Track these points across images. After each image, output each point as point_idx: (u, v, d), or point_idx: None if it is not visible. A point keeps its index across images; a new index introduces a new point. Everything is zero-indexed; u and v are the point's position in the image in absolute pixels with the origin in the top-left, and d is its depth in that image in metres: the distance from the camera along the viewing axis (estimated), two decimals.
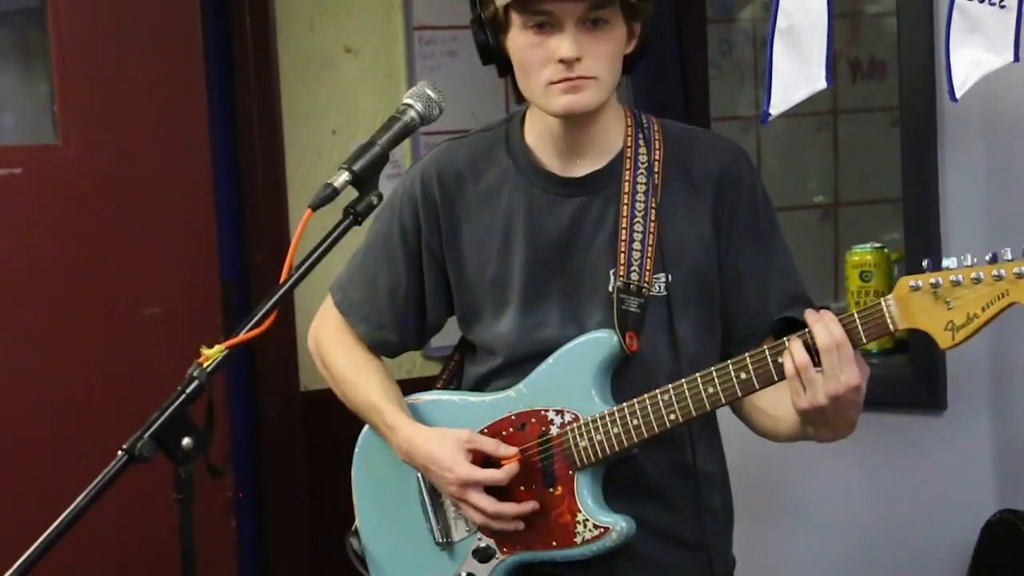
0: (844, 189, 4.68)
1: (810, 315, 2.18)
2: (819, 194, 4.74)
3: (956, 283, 2.09)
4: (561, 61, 2.23)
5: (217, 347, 1.97)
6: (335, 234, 2.13)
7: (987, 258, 2.08)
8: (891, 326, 2.14)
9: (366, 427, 2.53)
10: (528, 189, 2.37)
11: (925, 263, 2.12)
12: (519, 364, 2.37)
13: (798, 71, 2.73)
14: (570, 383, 2.33)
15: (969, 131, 2.99)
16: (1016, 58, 2.51)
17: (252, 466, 4.30)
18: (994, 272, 2.06)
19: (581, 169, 2.36)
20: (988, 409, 3.04)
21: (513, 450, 2.34)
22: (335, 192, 2.11)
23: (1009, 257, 2.06)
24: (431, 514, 2.42)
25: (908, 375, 3.13)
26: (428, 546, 2.43)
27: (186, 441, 1.93)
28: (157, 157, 4.12)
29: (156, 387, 2.02)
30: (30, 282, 3.97)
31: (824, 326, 2.15)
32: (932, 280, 2.11)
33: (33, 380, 3.97)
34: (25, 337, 3.96)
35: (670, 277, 2.32)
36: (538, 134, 2.38)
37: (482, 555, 2.38)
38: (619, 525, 2.31)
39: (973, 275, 2.08)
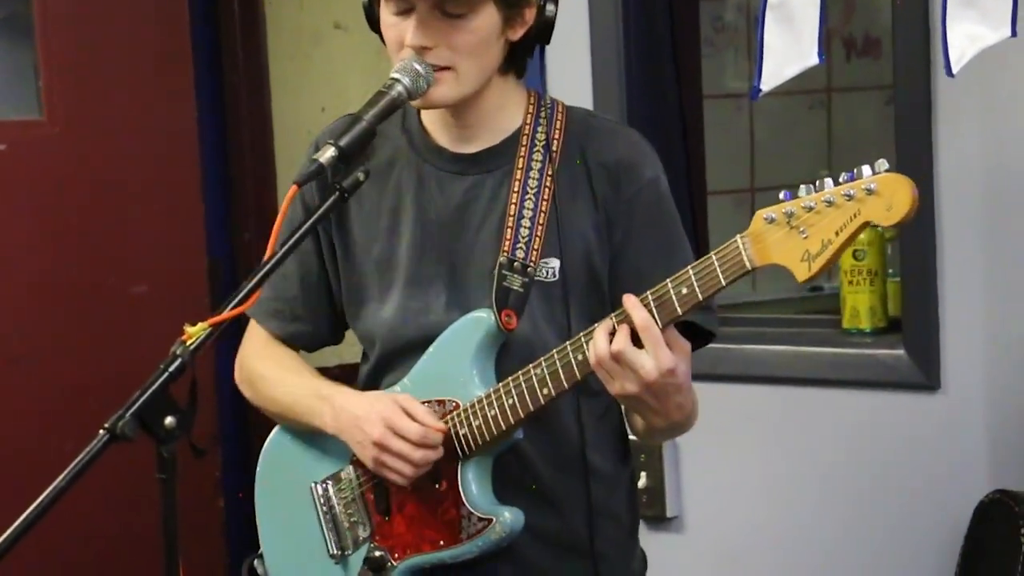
0: (838, 167, 4.65)
1: (627, 299, 2.06)
2: (815, 172, 4.72)
3: (809, 209, 1.93)
4: (409, 46, 2.14)
5: (201, 325, 1.95)
6: (321, 210, 2.11)
7: (841, 179, 1.93)
8: (747, 264, 1.99)
9: (265, 446, 2.43)
10: (419, 166, 2.28)
11: (782, 195, 1.98)
12: (404, 353, 2.27)
13: (790, 47, 2.71)
14: (452, 370, 2.22)
15: (964, 109, 2.97)
16: (1013, 33, 2.49)
17: (240, 446, 4.28)
18: (844, 192, 1.90)
19: (474, 147, 2.26)
20: (982, 389, 3.03)
21: (440, 424, 2.20)
22: (321, 168, 2.07)
23: (865, 175, 1.91)
24: (325, 527, 2.32)
25: (902, 354, 3.11)
26: (325, 561, 2.33)
27: (169, 420, 1.90)
28: (143, 133, 4.10)
29: (142, 366, 1.99)
30: (14, 259, 3.95)
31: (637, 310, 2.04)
32: (786, 210, 1.94)
33: (19, 359, 3.95)
34: (11, 315, 3.94)
35: (561, 263, 2.22)
36: (432, 111, 2.28)
37: (375, 564, 2.27)
38: (503, 516, 2.19)
39: (825, 199, 1.91)
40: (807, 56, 2.70)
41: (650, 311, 2.04)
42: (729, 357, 3.23)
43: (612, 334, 2.06)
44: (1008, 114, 2.95)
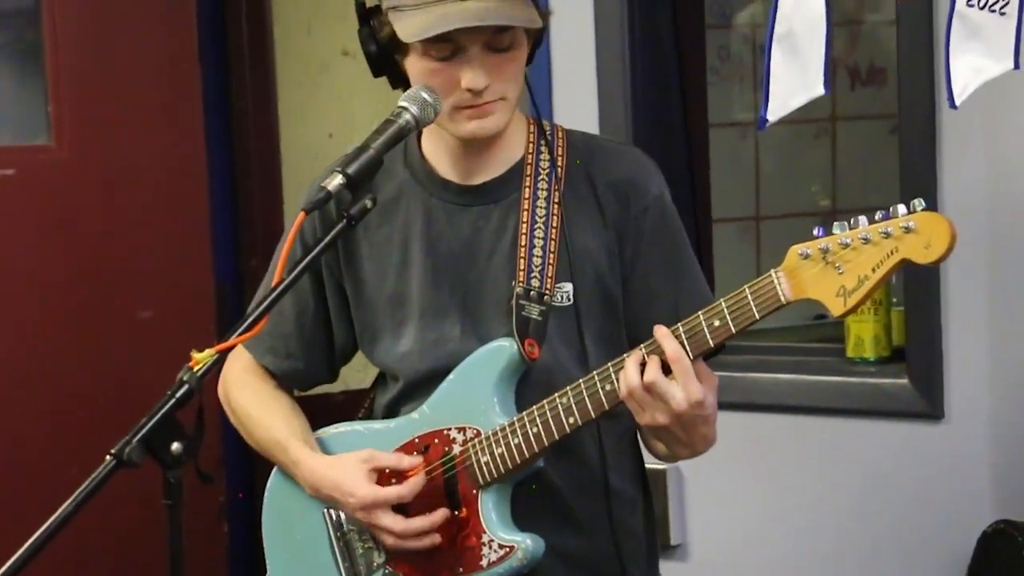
0: (842, 196, 4.66)
1: (658, 330, 2.08)
2: (820, 201, 4.73)
3: (845, 246, 1.97)
4: (469, 90, 2.15)
5: (208, 351, 1.95)
6: (330, 236, 2.11)
7: (877, 217, 1.97)
8: (782, 298, 2.02)
9: (273, 473, 2.43)
10: (426, 200, 2.29)
11: (816, 231, 2.02)
12: (423, 384, 2.27)
13: (796, 77, 2.71)
14: (472, 398, 2.23)
15: (968, 139, 2.98)
16: (1016, 65, 2.49)
17: (245, 471, 4.28)
18: (881, 230, 1.94)
19: (480, 177, 2.28)
20: (986, 418, 3.03)
21: (416, 460, 2.24)
22: (329, 195, 2.08)
23: (900, 213, 1.95)
24: (338, 554, 2.32)
25: (906, 383, 3.11)
26: None
27: (175, 446, 1.91)
28: (151, 159, 4.11)
29: (149, 391, 2.00)
30: (23, 284, 3.96)
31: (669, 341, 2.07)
32: (821, 246, 1.99)
33: (26, 383, 3.96)
34: (18, 339, 3.95)
35: (574, 287, 2.23)
36: (435, 144, 2.30)
37: None
38: (525, 543, 2.20)
39: (862, 235, 1.95)
40: (813, 87, 2.71)
41: (681, 343, 2.06)
42: (733, 385, 3.23)
43: (642, 365, 2.07)
44: (1011, 145, 2.95)
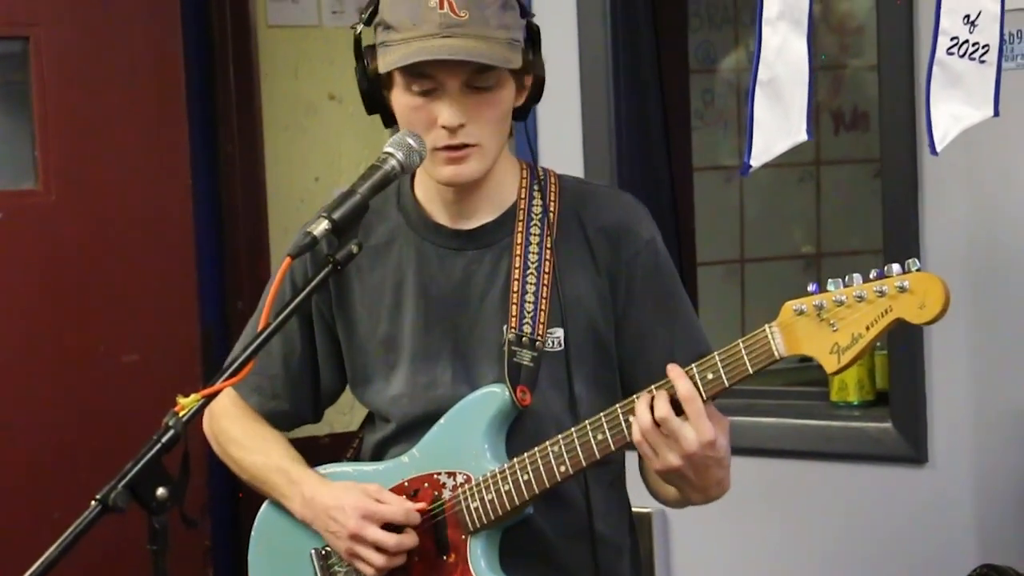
0: (827, 239, 4.69)
1: (672, 369, 2.09)
2: (804, 244, 4.75)
3: (840, 303, 1.99)
4: (444, 127, 2.16)
5: (193, 396, 1.95)
6: (316, 281, 2.11)
7: (871, 275, 1.99)
8: (776, 354, 2.04)
9: (263, 508, 2.42)
10: (419, 244, 2.29)
11: (811, 287, 2.03)
12: (414, 428, 2.27)
13: (779, 123, 2.73)
14: (463, 443, 2.23)
15: (950, 183, 3.00)
16: (996, 113, 2.51)
17: (230, 515, 4.28)
18: (876, 288, 1.96)
19: (472, 222, 2.28)
20: (970, 462, 3.04)
21: (418, 505, 2.23)
22: (314, 240, 2.07)
23: (895, 272, 1.96)
24: None
25: (889, 427, 3.12)
26: None
27: (161, 491, 1.90)
28: (138, 203, 4.11)
29: (134, 436, 2.00)
30: (7, 327, 3.95)
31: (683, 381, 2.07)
32: (816, 302, 2.00)
33: (11, 426, 3.95)
34: (3, 382, 3.94)
35: (565, 332, 2.23)
36: (427, 188, 2.30)
37: None
38: None
39: (856, 294, 1.97)
40: (796, 133, 2.72)
41: (695, 383, 2.07)
42: None
43: (651, 407, 2.07)
44: (992, 190, 2.98)
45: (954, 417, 3.04)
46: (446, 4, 2.13)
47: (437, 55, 2.12)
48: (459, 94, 2.16)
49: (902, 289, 1.95)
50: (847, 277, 2.00)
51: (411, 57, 2.14)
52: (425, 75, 2.16)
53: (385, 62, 2.17)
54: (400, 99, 2.20)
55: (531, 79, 2.25)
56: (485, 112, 2.18)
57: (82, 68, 4.05)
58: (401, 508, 2.23)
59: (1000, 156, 2.93)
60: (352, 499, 2.24)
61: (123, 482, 1.88)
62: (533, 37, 2.24)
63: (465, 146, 2.18)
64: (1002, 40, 2.50)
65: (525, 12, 2.24)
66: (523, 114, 2.29)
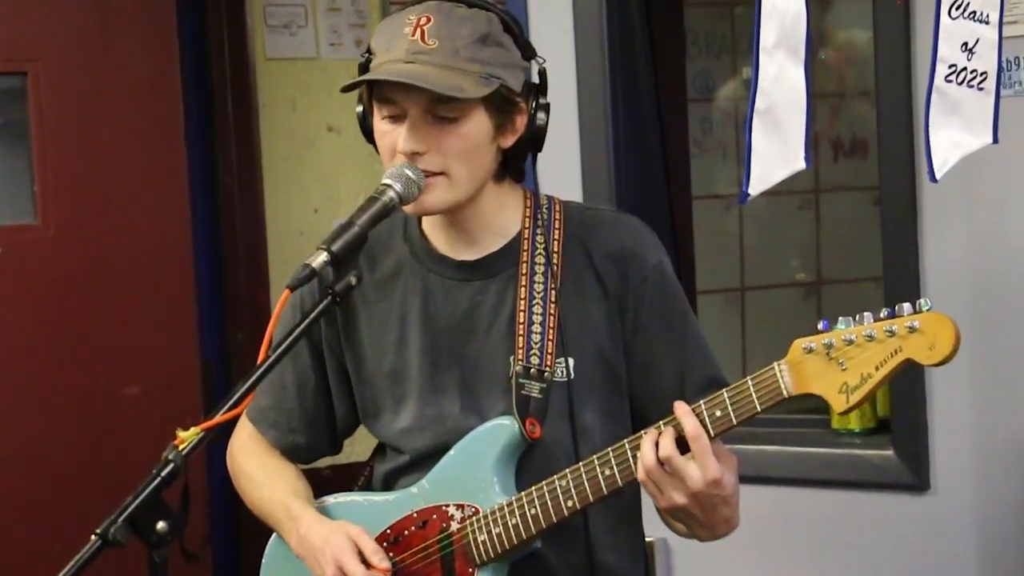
0: (826, 267, 4.69)
1: (679, 407, 2.08)
2: (801, 271, 4.75)
3: (849, 342, 1.97)
4: (400, 152, 2.15)
5: (193, 429, 1.95)
6: (314, 314, 2.11)
7: (882, 314, 1.98)
8: (784, 392, 2.03)
9: (271, 541, 2.42)
10: (424, 275, 2.28)
11: (820, 325, 2.02)
12: (424, 459, 2.26)
13: (777, 152, 2.73)
14: (471, 475, 2.22)
15: (949, 210, 3.00)
16: (995, 140, 2.51)
17: (232, 549, 4.26)
18: (886, 328, 1.95)
19: (476, 253, 2.27)
20: (971, 490, 3.03)
21: (386, 564, 2.21)
22: (313, 272, 2.07)
23: (905, 312, 1.95)
24: None
25: (891, 455, 3.12)
26: None
27: (161, 525, 1.90)
28: (137, 236, 4.12)
29: (134, 469, 2.00)
30: (7, 361, 3.95)
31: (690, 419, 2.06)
32: (825, 341, 1.99)
33: (11, 459, 3.94)
34: (3, 416, 3.93)
35: (572, 361, 2.22)
36: (432, 219, 2.29)
37: None
38: None
39: (866, 333, 1.96)
40: (794, 161, 2.72)
41: (701, 420, 2.06)
42: None
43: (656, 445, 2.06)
44: (992, 217, 2.98)
45: (956, 445, 3.04)
46: (418, 32, 2.14)
47: (389, 76, 2.12)
48: (420, 122, 2.14)
49: (912, 329, 1.94)
50: (857, 316, 1.99)
51: (368, 76, 2.15)
52: (391, 101, 2.16)
53: (350, 81, 2.19)
54: (376, 126, 2.21)
55: (523, 120, 2.21)
56: (447, 142, 2.15)
57: (81, 103, 4.06)
58: (371, 546, 2.20)
59: (999, 182, 2.93)
60: (335, 544, 2.23)
61: (123, 516, 1.88)
62: (540, 79, 2.22)
63: (430, 174, 2.16)
64: (1000, 67, 2.51)
65: (529, 54, 2.22)
66: (519, 157, 2.25)
